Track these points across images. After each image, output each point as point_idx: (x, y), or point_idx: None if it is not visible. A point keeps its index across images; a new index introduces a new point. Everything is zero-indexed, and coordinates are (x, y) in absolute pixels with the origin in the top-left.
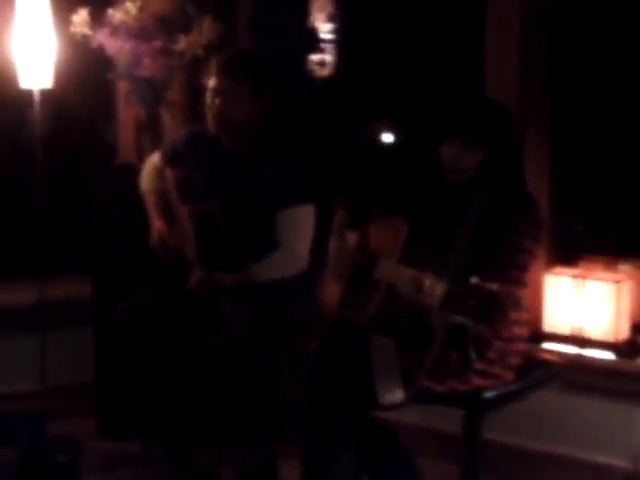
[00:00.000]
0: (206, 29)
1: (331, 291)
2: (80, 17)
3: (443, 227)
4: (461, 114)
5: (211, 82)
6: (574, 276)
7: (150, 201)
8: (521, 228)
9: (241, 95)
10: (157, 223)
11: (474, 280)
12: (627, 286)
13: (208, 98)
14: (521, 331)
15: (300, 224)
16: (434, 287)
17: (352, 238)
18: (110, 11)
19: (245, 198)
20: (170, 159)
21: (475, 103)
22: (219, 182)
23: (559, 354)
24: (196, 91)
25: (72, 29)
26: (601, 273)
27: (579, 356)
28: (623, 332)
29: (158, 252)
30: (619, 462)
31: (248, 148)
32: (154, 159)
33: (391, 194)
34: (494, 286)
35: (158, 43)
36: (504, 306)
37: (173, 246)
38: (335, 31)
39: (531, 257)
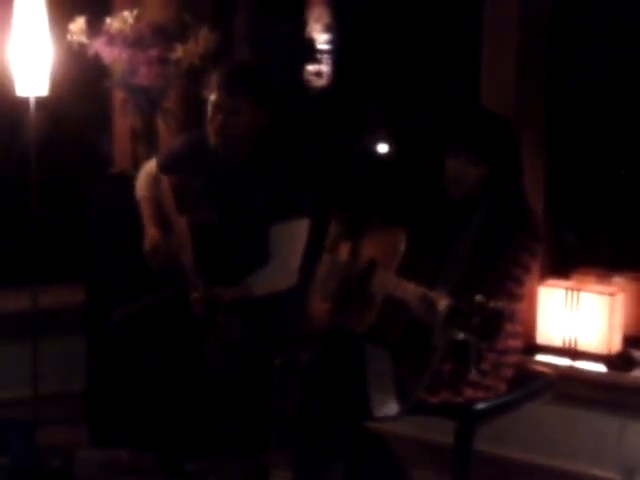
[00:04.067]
0: (203, 38)
1: (320, 303)
2: (77, 25)
3: (442, 240)
4: (466, 127)
5: (212, 97)
6: (567, 288)
7: (145, 208)
8: (519, 242)
9: (242, 111)
10: (150, 230)
11: (479, 297)
12: (620, 299)
13: (209, 112)
14: (515, 343)
15: (295, 239)
16: (438, 302)
17: (346, 249)
18: (107, 20)
19: (242, 209)
20: (167, 166)
21: (480, 116)
22: (216, 192)
23: (552, 366)
24: (192, 100)
25: (69, 37)
26: (594, 285)
27: (572, 368)
28: (616, 345)
29: (150, 258)
30: (611, 475)
31: (246, 159)
32: (150, 166)
33: (391, 204)
34: (499, 304)
35: (154, 52)
36: (505, 323)
37: (165, 253)
38: (332, 41)
39: (527, 271)
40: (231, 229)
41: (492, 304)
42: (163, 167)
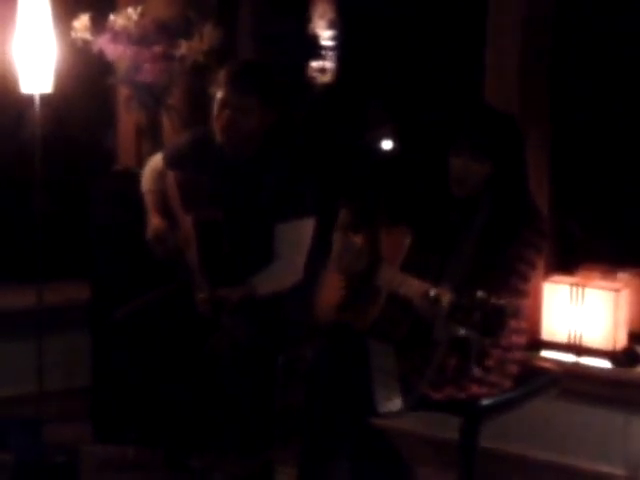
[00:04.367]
0: (207, 35)
1: (328, 295)
2: (81, 22)
3: (447, 237)
4: (470, 125)
5: (219, 94)
6: (572, 284)
7: (150, 201)
8: (524, 238)
9: (249, 108)
10: (154, 219)
11: (480, 293)
12: (625, 294)
13: (216, 110)
14: (520, 340)
15: (301, 238)
16: (441, 298)
17: (356, 240)
18: (111, 16)
19: (247, 208)
20: (173, 162)
21: (484, 114)
22: (222, 190)
23: (557, 362)
24: (197, 97)
25: (73, 34)
26: (599, 281)
27: (577, 364)
28: (621, 341)
29: (153, 247)
30: (616, 470)
31: (252, 157)
32: (156, 160)
33: (396, 202)
34: (501, 300)
35: (159, 49)
36: (507, 319)
37: (169, 241)
38: (336, 38)
39: (532, 267)
40: (236, 227)
41: (494, 300)
42: (168, 162)
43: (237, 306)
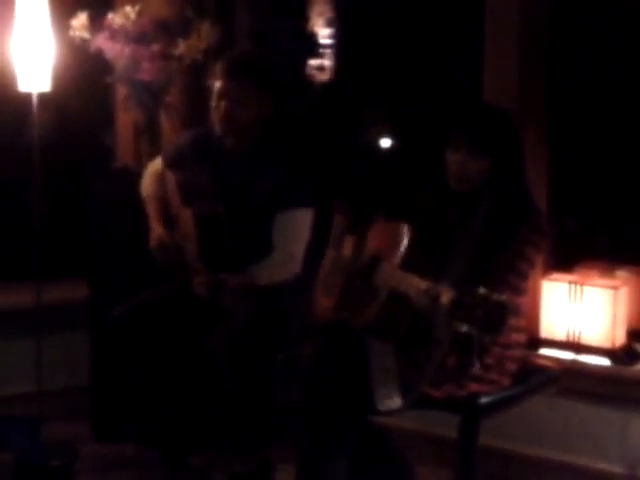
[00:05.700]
0: (205, 33)
1: (326, 293)
2: (79, 21)
3: (447, 234)
4: (467, 121)
5: (217, 85)
6: (571, 282)
7: (151, 207)
8: (524, 236)
9: (247, 98)
10: (157, 228)
11: (482, 290)
12: (624, 292)
13: (214, 101)
14: (519, 337)
15: (298, 228)
16: (441, 295)
17: (351, 243)
18: (109, 15)
19: (246, 200)
20: (173, 162)
21: (481, 110)
22: (221, 184)
23: (555, 360)
24: (195, 95)
25: (71, 33)
26: (598, 279)
27: (575, 362)
28: (619, 338)
29: (157, 255)
30: (615, 468)
31: (250, 150)
32: (156, 164)
33: (394, 198)
34: (502, 296)
35: (157, 47)
36: (509, 315)
37: (172, 250)
38: (334, 36)
39: (531, 265)
40: (236, 221)
41: (495, 296)
42: (169, 162)
43: (235, 291)
